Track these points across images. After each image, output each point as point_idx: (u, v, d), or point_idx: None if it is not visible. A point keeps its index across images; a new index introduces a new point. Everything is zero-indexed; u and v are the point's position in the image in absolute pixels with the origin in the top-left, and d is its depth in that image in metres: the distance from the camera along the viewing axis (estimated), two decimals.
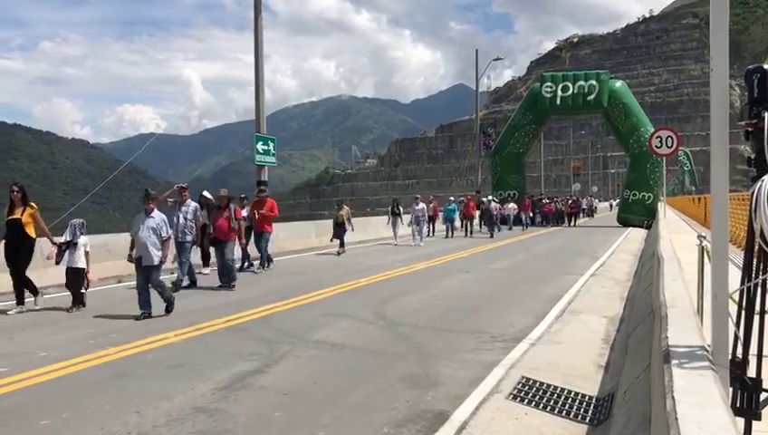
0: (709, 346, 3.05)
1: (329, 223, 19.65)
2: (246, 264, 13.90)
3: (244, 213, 13.64)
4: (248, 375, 5.55)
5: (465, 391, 5.10)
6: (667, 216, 23.16)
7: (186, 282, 11.21)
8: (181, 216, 11.31)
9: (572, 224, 36.37)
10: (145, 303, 8.41)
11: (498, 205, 28.84)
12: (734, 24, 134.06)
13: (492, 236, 24.85)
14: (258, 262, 13.91)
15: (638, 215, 31.72)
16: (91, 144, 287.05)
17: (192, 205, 11.57)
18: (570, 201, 39.46)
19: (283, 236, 18.50)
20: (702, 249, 5.15)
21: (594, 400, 4.99)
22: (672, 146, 20.58)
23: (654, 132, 21.71)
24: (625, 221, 32.74)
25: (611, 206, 70.30)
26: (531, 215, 33.15)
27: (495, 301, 9.76)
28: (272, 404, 4.79)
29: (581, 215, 42.79)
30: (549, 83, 34.04)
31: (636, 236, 24.53)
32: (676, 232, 15.83)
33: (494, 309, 9.01)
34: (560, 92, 33.59)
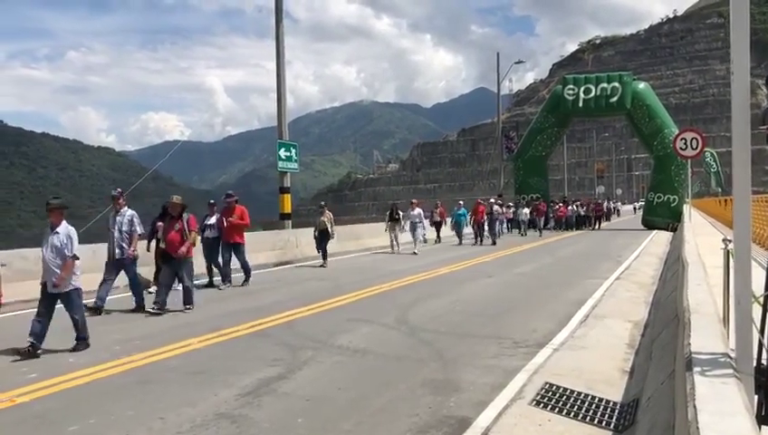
0: (733, 350, 3.01)
1: (349, 229, 19.63)
2: (208, 280, 12.50)
3: (212, 220, 12.47)
4: (271, 381, 5.59)
5: (488, 396, 5.08)
6: (693, 218, 22.82)
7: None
8: (116, 228, 9.70)
9: (597, 227, 35.78)
10: (38, 334, 6.76)
11: (499, 208, 26.65)
12: (761, 22, 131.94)
13: (494, 244, 23.10)
14: (221, 277, 12.37)
15: (664, 217, 31.39)
16: (117, 152, 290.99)
17: (128, 213, 9.82)
18: (593, 204, 38.82)
19: (306, 241, 18.57)
20: (727, 253, 5.08)
21: (618, 406, 4.94)
22: (697, 148, 20.27)
23: (678, 134, 21.42)
24: (650, 224, 32.44)
25: (635, 209, 69.37)
26: (544, 219, 31.70)
27: (518, 306, 9.70)
28: (295, 410, 4.81)
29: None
30: (571, 86, 33.83)
31: (661, 238, 24.24)
32: (702, 234, 15.61)
33: (516, 314, 8.96)
34: (582, 95, 33.36)
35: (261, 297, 10.91)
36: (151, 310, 9.17)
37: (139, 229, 9.87)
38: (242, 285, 12.24)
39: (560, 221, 33.34)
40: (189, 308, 9.47)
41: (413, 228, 20.42)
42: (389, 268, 15.21)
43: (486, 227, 24.65)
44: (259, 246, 16.55)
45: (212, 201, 13.22)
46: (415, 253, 19.23)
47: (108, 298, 9.67)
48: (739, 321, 2.88)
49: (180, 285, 9.81)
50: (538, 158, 35.72)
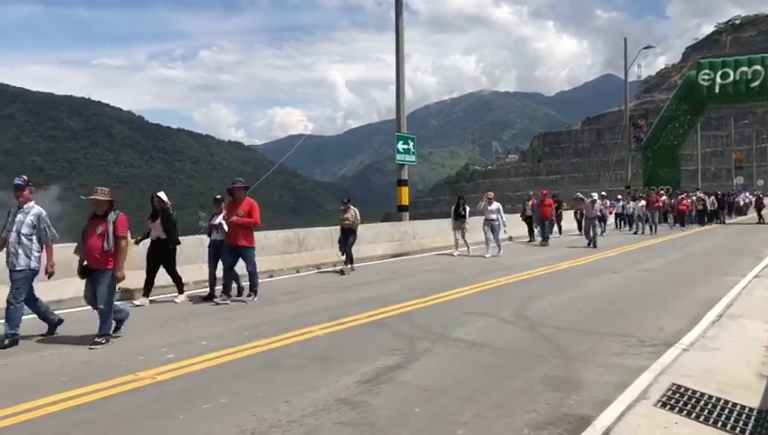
0: None
1: (471, 221, 19.08)
2: (209, 291, 10.18)
3: (219, 219, 10.10)
4: (390, 370, 5.70)
5: (610, 396, 4.92)
6: None
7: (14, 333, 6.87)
8: (14, 229, 7.03)
9: (761, 221, 32.02)
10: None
11: (601, 203, 21.74)
12: None
13: (595, 246, 18.73)
14: (222, 289, 9.90)
15: None
16: (246, 146, 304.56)
17: (33, 211, 7.12)
18: (757, 196, 35.41)
19: (422, 233, 18.73)
20: None
21: (755, 412, 4.63)
22: None
23: None
24: None
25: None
26: (659, 214, 27.05)
27: (644, 303, 9.28)
28: (412, 399, 4.89)
29: (733, 213, 36.67)
30: (706, 70, 31.82)
31: None
32: None
33: (642, 311, 8.59)
34: (719, 80, 31.29)
35: (379, 288, 11.12)
36: (115, 337, 7.15)
37: (50, 234, 7.21)
38: (246, 300, 9.86)
39: (682, 216, 28.86)
40: (100, 342, 6.87)
41: (490, 228, 16.88)
42: (507, 262, 15.02)
43: (581, 226, 21.45)
44: (377, 238, 16.87)
45: (218, 196, 10.70)
46: (496, 255, 16.40)
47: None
48: None
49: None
50: (669, 147, 34.00)
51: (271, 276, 12.52)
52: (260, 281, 10.24)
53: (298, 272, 13.39)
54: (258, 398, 4.95)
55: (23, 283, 6.99)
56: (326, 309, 8.90)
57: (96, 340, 6.89)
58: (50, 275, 7.15)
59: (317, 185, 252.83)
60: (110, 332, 7.06)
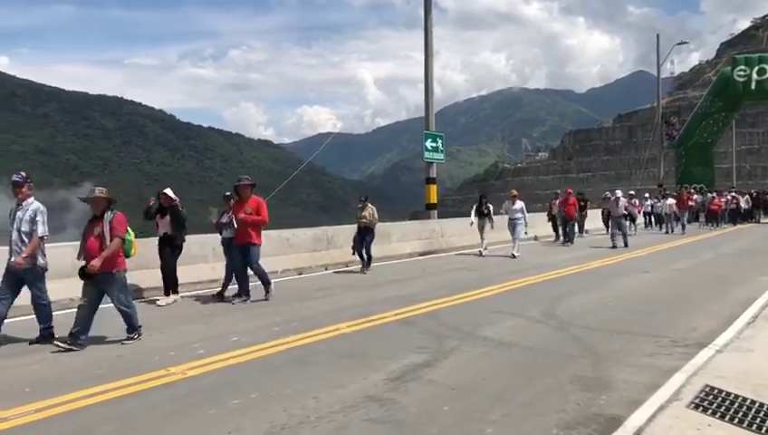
0: None
1: (501, 219, 18.71)
2: (237, 289, 9.88)
3: (227, 217, 10.01)
4: (417, 368, 5.70)
5: (641, 396, 4.86)
6: None
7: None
8: (14, 226, 6.94)
9: None
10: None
11: (626, 201, 20.95)
12: None
13: (626, 245, 18.16)
14: (238, 289, 9.76)
15: None
16: (275, 144, 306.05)
17: (32, 207, 6.95)
18: None
19: (451, 231, 18.68)
20: None
21: None
22: None
23: None
24: None
25: None
26: (690, 214, 26.85)
27: (677, 303, 9.14)
28: (440, 398, 4.89)
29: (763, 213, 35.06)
30: (742, 66, 31.19)
31: None
32: None
33: (675, 311, 8.46)
34: (755, 76, 30.64)
35: (407, 286, 11.12)
36: (60, 344, 6.66)
37: (41, 230, 6.93)
38: (264, 299, 9.65)
39: (714, 216, 27.85)
40: (133, 338, 6.98)
41: (512, 226, 16.82)
42: (535, 261, 14.91)
43: (609, 226, 20.50)
44: (406, 235, 16.88)
45: (227, 193, 10.49)
46: (513, 256, 15.71)
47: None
48: None
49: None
50: (702, 145, 33.40)
51: (300, 273, 12.62)
52: (289, 278, 10.38)
53: (327, 269, 13.47)
54: (287, 394, 4.99)
55: (39, 281, 7.04)
56: (354, 306, 8.93)
57: (129, 335, 6.98)
58: (18, 266, 6.79)
59: (345, 183, 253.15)
60: (139, 326, 7.06)
